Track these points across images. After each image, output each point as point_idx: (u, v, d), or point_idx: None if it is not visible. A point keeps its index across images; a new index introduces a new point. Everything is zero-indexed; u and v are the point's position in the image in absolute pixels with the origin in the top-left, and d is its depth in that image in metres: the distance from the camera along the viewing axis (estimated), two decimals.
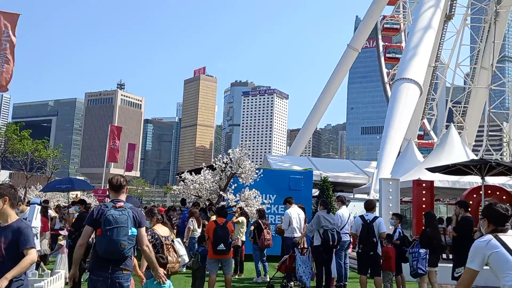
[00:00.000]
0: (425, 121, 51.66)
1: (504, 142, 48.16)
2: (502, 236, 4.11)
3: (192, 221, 14.22)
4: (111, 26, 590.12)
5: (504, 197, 16.63)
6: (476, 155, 29.45)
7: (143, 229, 5.53)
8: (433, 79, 49.09)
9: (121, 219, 5.23)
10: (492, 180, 17.97)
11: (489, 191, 16.89)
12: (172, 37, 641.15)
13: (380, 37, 57.34)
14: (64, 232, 14.66)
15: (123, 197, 5.57)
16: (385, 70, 58.21)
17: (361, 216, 10.80)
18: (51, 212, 16.90)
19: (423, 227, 11.12)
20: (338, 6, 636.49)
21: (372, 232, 10.31)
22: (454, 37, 49.00)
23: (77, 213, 13.22)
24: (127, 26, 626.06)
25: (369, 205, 10.94)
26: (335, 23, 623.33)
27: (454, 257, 11.36)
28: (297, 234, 12.22)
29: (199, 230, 14.09)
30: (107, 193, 22.91)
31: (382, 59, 57.87)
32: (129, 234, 5.23)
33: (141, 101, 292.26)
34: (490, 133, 46.27)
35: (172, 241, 7.75)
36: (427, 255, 10.09)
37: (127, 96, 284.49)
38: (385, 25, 56.08)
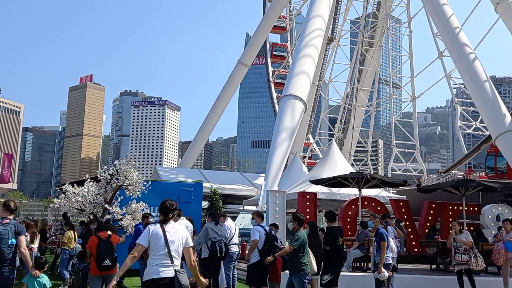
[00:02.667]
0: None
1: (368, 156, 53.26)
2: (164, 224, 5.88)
3: (26, 236, 13.67)
4: None
5: (378, 208, 18.07)
6: None
7: (22, 237, 7.45)
8: (317, 96, 52.15)
9: (3, 232, 7.20)
10: (367, 192, 19.43)
11: (366, 202, 18.28)
12: (56, 40, 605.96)
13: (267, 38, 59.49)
14: None
15: (11, 216, 7.46)
16: (271, 69, 60.75)
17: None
18: None
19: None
20: (230, 22, 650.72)
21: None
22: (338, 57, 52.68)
23: None
24: (6, 24, 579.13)
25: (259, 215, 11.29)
26: (227, 38, 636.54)
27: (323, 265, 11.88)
28: None
29: (34, 246, 13.61)
30: None
31: (269, 58, 60.43)
32: (9, 243, 7.21)
33: (19, 107, 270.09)
34: (355, 147, 50.66)
35: None
36: None
37: (3, 102, 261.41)
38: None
